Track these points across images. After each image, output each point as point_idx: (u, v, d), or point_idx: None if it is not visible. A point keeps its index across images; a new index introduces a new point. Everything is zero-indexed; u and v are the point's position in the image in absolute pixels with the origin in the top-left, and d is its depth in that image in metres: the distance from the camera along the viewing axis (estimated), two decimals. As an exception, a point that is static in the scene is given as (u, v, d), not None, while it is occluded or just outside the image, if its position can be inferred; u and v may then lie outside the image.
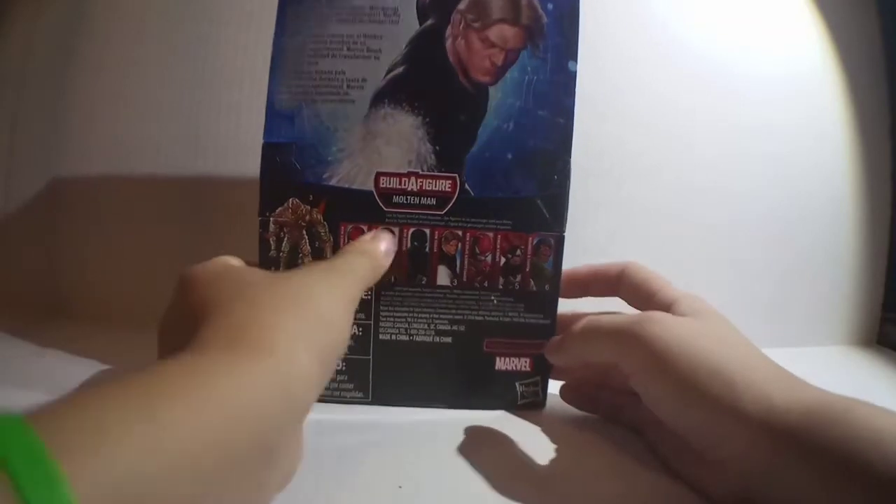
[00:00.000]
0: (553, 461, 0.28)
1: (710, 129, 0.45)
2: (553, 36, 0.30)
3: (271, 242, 0.31)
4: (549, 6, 0.30)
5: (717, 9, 0.46)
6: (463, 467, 0.27)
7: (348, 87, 0.30)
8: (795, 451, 0.21)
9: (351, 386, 0.33)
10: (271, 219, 0.31)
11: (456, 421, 0.31)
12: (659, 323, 0.26)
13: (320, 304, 0.22)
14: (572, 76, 0.31)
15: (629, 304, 0.31)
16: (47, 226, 0.46)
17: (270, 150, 0.31)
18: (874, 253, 0.47)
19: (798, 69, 0.46)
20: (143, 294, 0.44)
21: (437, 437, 0.30)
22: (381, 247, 0.28)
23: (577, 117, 0.31)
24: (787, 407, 0.21)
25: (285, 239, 0.31)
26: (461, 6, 0.30)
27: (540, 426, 0.31)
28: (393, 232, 0.31)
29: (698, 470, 0.25)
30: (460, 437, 0.30)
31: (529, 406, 0.33)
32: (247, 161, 0.43)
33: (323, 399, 0.32)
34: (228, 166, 0.44)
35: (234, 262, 0.26)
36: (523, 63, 0.31)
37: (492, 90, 0.31)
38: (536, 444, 0.29)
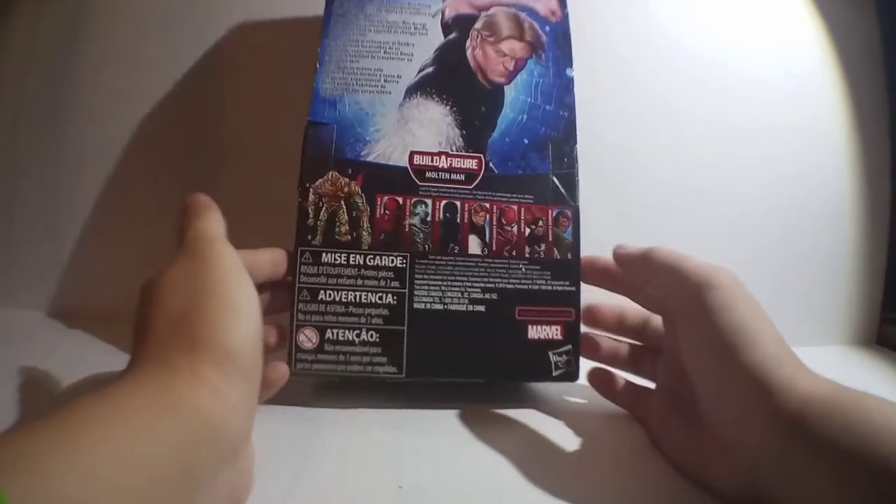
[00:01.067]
0: (555, 460, 0.28)
1: (709, 129, 0.47)
2: (552, 49, 0.37)
3: (310, 211, 0.32)
4: (546, 28, 0.38)
5: (716, 10, 0.48)
6: (463, 467, 0.27)
7: (385, 81, 0.35)
8: (807, 440, 0.21)
9: (384, 360, 0.31)
10: (311, 188, 0.33)
11: (456, 420, 0.31)
12: (729, 276, 0.27)
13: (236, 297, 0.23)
14: (570, 80, 0.37)
15: (654, 286, 0.31)
16: (47, 226, 0.44)
17: (314, 128, 0.33)
18: (873, 253, 0.48)
19: (798, 70, 0.47)
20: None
21: (437, 436, 0.29)
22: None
23: (577, 117, 0.36)
24: (807, 393, 0.22)
25: (323, 209, 0.32)
26: (477, 25, 0.37)
27: (542, 424, 0.31)
28: None
29: (704, 459, 0.25)
30: (461, 436, 0.29)
31: (564, 377, 0.33)
32: (247, 161, 0.44)
33: (354, 373, 0.31)
34: (228, 166, 0.44)
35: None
36: (530, 69, 0.37)
37: (506, 89, 0.36)
38: (538, 444, 0.29)
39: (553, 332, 0.33)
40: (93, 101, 0.45)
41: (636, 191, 0.47)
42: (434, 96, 0.35)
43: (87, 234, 0.45)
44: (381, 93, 0.35)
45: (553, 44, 0.37)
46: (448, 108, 0.35)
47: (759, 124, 0.47)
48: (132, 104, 0.45)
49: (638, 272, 0.31)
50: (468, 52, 0.36)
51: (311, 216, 0.32)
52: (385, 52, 0.36)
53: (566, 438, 0.30)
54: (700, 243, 0.48)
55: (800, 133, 0.48)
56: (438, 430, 0.30)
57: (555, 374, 0.33)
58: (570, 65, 0.37)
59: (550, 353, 0.33)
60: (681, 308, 0.27)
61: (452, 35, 0.37)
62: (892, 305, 0.49)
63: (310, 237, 0.32)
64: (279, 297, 0.31)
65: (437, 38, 0.36)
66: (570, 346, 0.33)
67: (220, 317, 0.22)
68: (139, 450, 0.16)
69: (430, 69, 0.36)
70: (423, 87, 0.35)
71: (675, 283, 0.27)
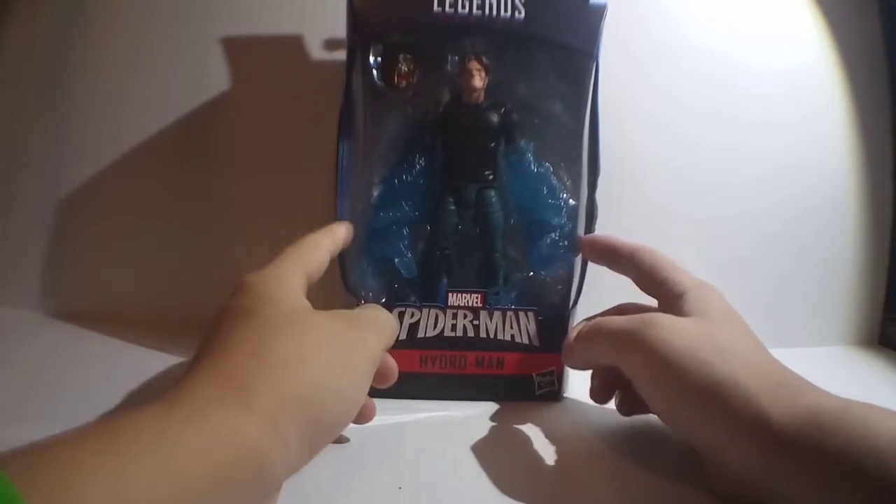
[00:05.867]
0: (555, 462, 0.28)
1: (710, 126, 0.46)
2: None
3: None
4: None
5: (718, 6, 0.46)
6: (463, 468, 0.27)
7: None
8: (791, 461, 0.20)
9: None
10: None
11: (456, 420, 0.32)
12: (660, 328, 0.25)
13: (328, 371, 0.22)
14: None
15: (639, 287, 0.31)
16: (47, 226, 0.45)
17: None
18: (875, 252, 0.48)
19: (799, 67, 0.47)
20: (142, 293, 0.43)
21: (437, 437, 0.30)
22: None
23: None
24: (783, 420, 0.21)
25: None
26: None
27: (543, 426, 0.32)
28: None
29: (705, 468, 0.25)
30: (461, 437, 0.30)
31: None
32: (247, 160, 0.43)
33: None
34: (229, 166, 0.43)
35: (294, 287, 0.25)
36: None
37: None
38: (539, 445, 0.29)
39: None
40: (92, 102, 0.45)
41: (636, 187, 0.45)
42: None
43: (87, 234, 0.45)
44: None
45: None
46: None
47: (760, 121, 0.46)
48: (131, 105, 0.45)
49: (623, 266, 0.31)
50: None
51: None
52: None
53: (567, 438, 0.30)
54: (700, 242, 0.47)
55: (800, 131, 0.46)
56: (438, 431, 0.31)
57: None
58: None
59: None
60: (632, 377, 0.27)
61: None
62: (894, 306, 0.48)
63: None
64: None
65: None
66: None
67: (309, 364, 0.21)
68: (182, 479, 0.16)
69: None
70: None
71: (617, 357, 0.27)
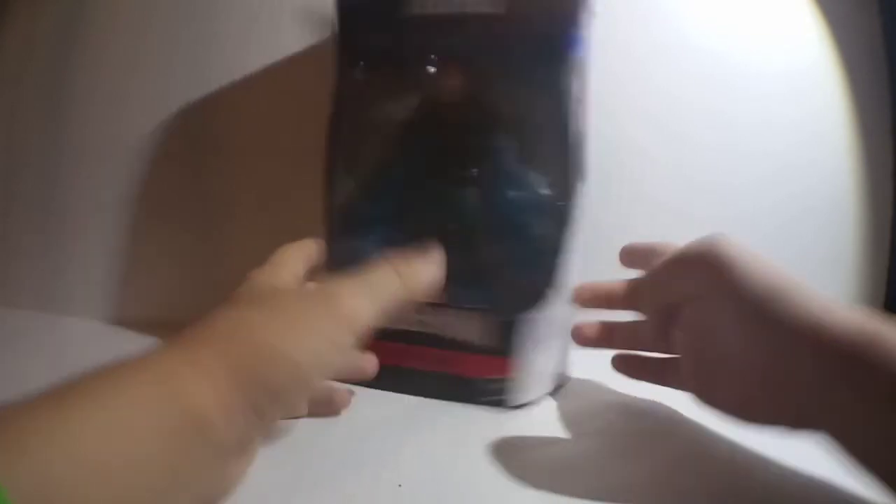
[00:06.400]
0: (554, 459, 0.28)
1: (709, 125, 0.46)
2: None
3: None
4: None
5: (718, 6, 0.46)
6: (463, 466, 0.27)
7: None
8: (846, 375, 0.21)
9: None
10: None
11: (456, 419, 0.31)
12: (729, 242, 0.26)
13: (276, 335, 0.21)
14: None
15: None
16: (47, 226, 0.45)
17: None
18: (875, 252, 0.48)
19: (799, 67, 0.47)
20: (142, 294, 0.43)
21: (437, 435, 0.30)
22: (421, 275, 0.26)
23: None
24: (838, 331, 0.21)
25: None
26: None
27: (542, 424, 0.31)
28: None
29: (748, 396, 0.25)
30: (460, 436, 0.30)
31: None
32: (247, 160, 0.43)
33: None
34: (229, 166, 0.43)
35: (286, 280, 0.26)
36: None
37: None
38: (538, 443, 0.29)
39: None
40: (91, 101, 0.45)
41: (635, 186, 0.45)
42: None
43: (87, 234, 0.45)
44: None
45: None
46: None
47: (759, 120, 0.46)
48: (131, 105, 0.45)
49: (647, 262, 0.31)
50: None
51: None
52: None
53: (567, 437, 0.30)
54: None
55: (800, 130, 0.46)
56: (438, 429, 0.30)
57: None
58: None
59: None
60: (709, 293, 0.26)
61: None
62: (894, 306, 0.48)
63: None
64: None
65: None
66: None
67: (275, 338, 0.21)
68: (128, 432, 0.17)
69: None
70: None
71: (691, 278, 0.27)
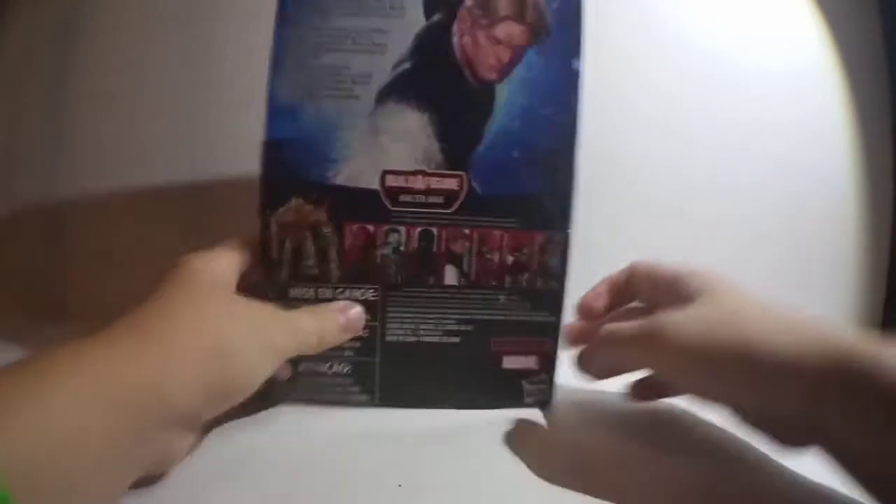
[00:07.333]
0: (555, 462, 0.28)
1: (711, 126, 0.46)
2: (557, 34, 0.31)
3: (273, 244, 0.30)
4: (554, 4, 0.30)
5: (718, 6, 0.46)
6: (463, 466, 0.27)
7: (353, 82, 0.30)
8: (830, 405, 0.21)
9: (357, 389, 0.32)
10: (273, 219, 0.30)
11: (456, 420, 0.31)
12: (672, 324, 0.26)
13: (229, 342, 0.24)
14: (576, 74, 0.31)
15: (644, 302, 0.31)
16: (48, 226, 0.45)
17: (272, 148, 0.30)
18: (875, 252, 0.48)
19: (799, 67, 0.47)
20: (142, 294, 0.43)
21: (437, 435, 0.29)
22: (339, 319, 0.29)
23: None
24: (814, 366, 0.22)
25: (287, 240, 0.30)
26: (468, 2, 0.30)
27: (543, 425, 0.31)
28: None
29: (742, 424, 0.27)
30: (460, 436, 0.29)
31: (536, 404, 0.33)
32: (247, 160, 0.43)
33: (328, 402, 0.31)
34: (229, 166, 0.43)
35: (224, 271, 0.28)
36: (529, 60, 0.31)
37: (498, 89, 0.31)
38: (539, 444, 0.29)
39: (529, 362, 0.33)
40: (92, 102, 0.45)
41: (636, 187, 0.45)
42: (411, 101, 0.30)
43: (87, 234, 0.45)
44: (349, 97, 0.30)
45: (559, 26, 0.31)
46: (427, 115, 0.30)
47: (760, 121, 0.46)
48: (131, 105, 0.44)
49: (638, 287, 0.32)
50: (454, 40, 0.30)
51: (274, 249, 0.30)
52: (353, 43, 0.30)
53: (567, 437, 0.30)
54: (700, 242, 0.46)
55: (801, 130, 0.46)
56: (438, 430, 0.30)
57: (526, 400, 0.33)
58: (578, 54, 0.31)
59: (524, 382, 0.33)
60: (660, 373, 0.29)
61: (436, 17, 0.30)
62: (894, 306, 0.48)
63: (275, 272, 0.30)
64: None
65: (417, 20, 0.30)
66: (544, 375, 0.33)
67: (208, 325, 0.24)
68: (86, 400, 0.19)
69: (407, 65, 0.30)
70: (398, 88, 0.30)
71: (640, 359, 0.29)
